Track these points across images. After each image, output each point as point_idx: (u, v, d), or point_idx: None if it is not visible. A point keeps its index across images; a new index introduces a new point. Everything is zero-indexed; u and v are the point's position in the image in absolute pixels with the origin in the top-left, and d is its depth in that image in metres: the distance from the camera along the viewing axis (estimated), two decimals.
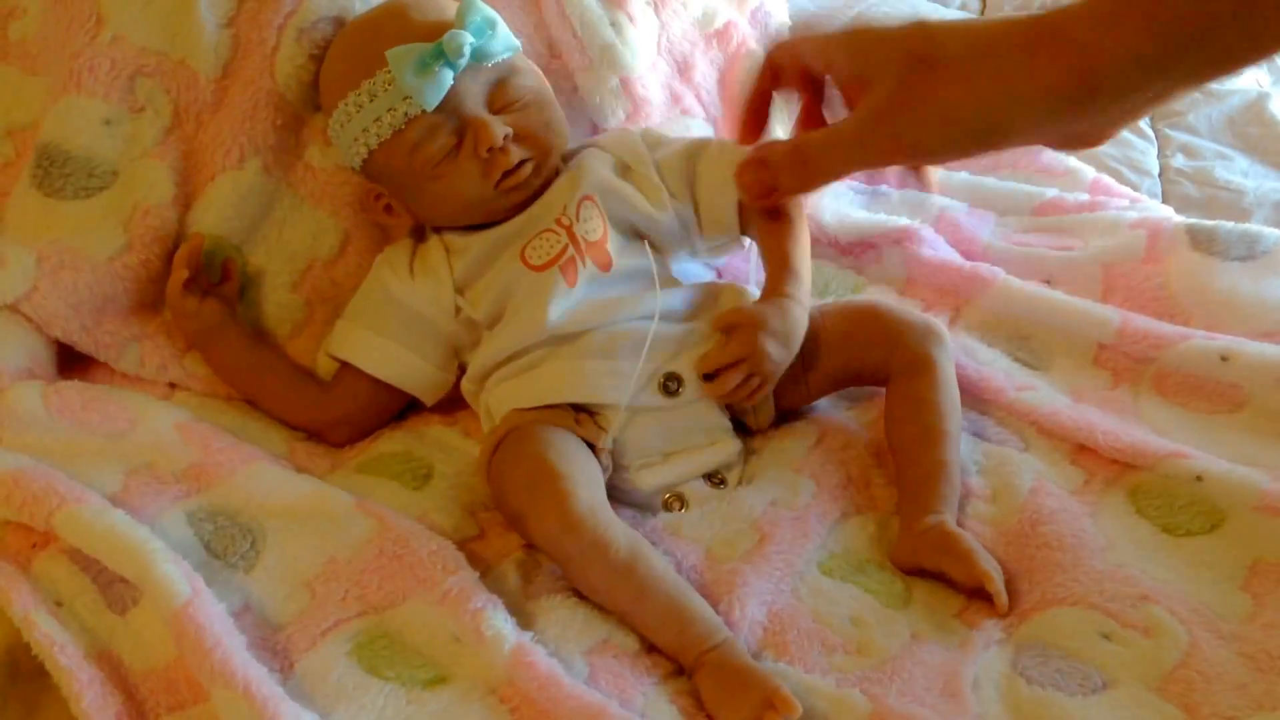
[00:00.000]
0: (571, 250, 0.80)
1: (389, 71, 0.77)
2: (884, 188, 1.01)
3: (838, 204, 0.98)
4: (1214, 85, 1.20)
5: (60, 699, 0.63)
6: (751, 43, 1.00)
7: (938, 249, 0.94)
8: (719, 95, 0.99)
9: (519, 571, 0.73)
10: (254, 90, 0.83)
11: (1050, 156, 1.04)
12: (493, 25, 0.79)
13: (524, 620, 0.68)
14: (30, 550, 0.70)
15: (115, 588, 0.68)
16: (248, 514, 0.74)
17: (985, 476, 0.79)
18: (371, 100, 0.78)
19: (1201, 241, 0.90)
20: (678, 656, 0.68)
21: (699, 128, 0.97)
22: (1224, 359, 0.84)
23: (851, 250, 0.96)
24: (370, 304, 0.84)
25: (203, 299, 0.81)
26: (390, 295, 0.83)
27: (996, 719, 0.66)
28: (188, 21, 0.83)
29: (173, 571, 0.66)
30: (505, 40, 0.80)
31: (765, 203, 0.78)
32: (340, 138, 0.82)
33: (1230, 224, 0.91)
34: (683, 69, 0.98)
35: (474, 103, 0.79)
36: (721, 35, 0.99)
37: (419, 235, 0.85)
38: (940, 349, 0.81)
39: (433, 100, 0.77)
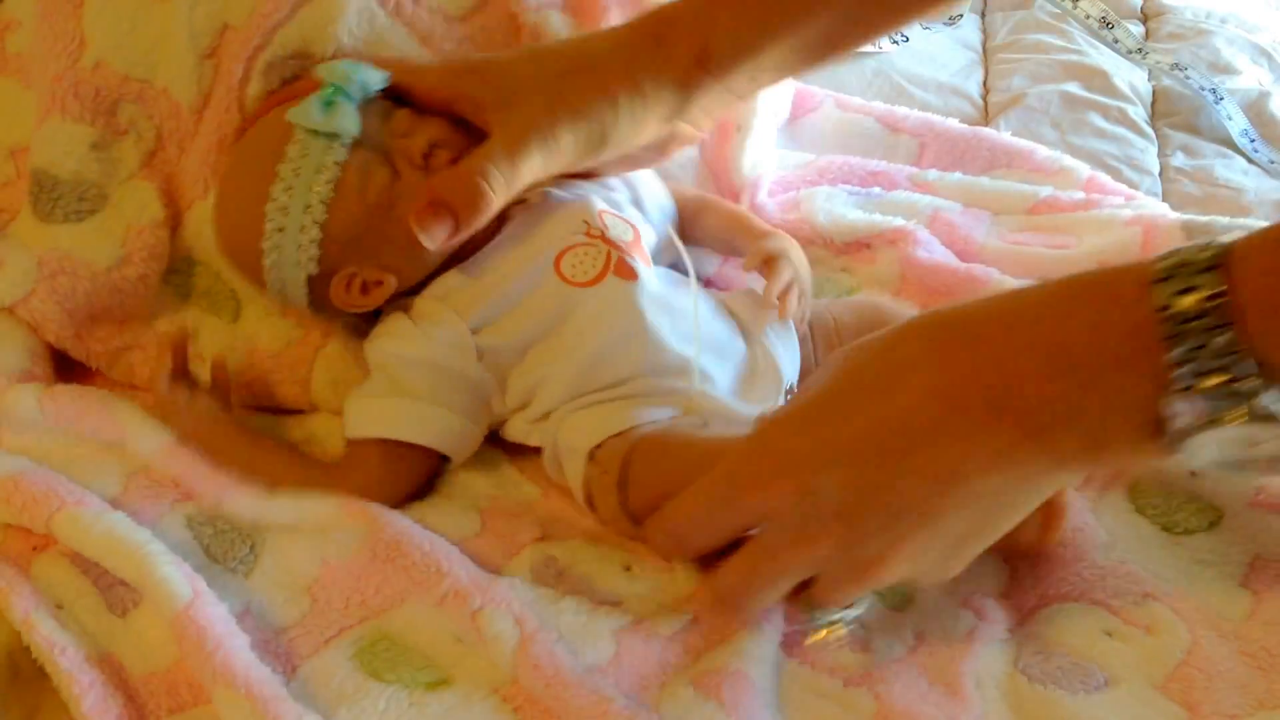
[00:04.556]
0: (616, 253, 0.79)
1: (297, 141, 0.75)
2: (877, 190, 1.00)
3: (831, 204, 0.98)
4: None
5: (61, 702, 0.63)
6: None
7: (933, 251, 0.94)
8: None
9: (532, 566, 0.73)
10: (221, 122, 0.82)
11: (1045, 155, 1.04)
12: (356, 63, 0.78)
13: (539, 611, 0.68)
14: (30, 552, 0.70)
15: (116, 590, 0.68)
16: (246, 520, 0.74)
17: None
18: (297, 175, 0.75)
19: (1197, 237, 0.89)
20: None
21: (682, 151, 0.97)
22: None
23: (845, 250, 0.96)
24: (378, 376, 0.78)
25: (192, 391, 0.77)
26: (400, 358, 0.78)
27: (999, 717, 0.66)
28: (172, 51, 0.81)
29: (174, 573, 0.67)
30: (377, 71, 0.78)
31: (456, 240, 0.74)
32: (284, 246, 0.76)
33: (1225, 219, 0.91)
34: None
35: (386, 132, 0.77)
36: None
37: (404, 308, 0.80)
38: None
39: (351, 127, 0.75)
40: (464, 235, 0.74)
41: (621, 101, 0.74)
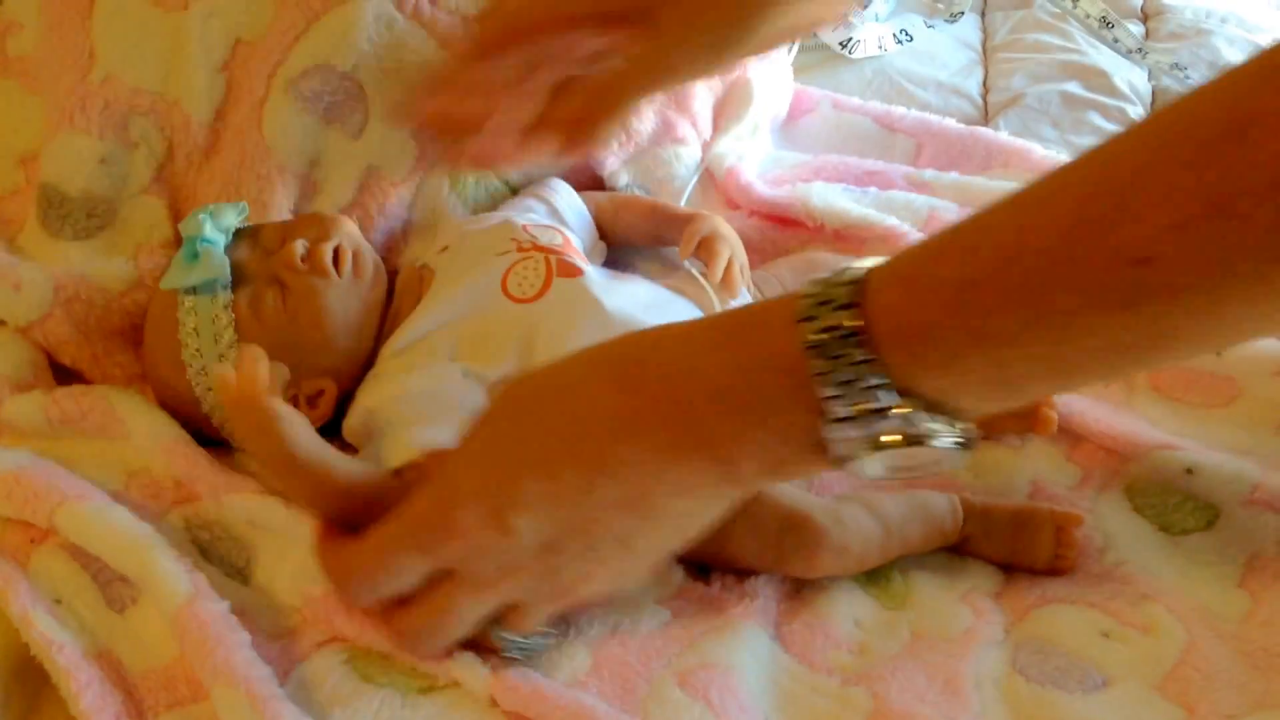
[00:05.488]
0: (554, 257, 0.79)
1: (183, 305, 0.76)
2: (873, 189, 1.00)
3: (827, 193, 0.97)
4: None
5: (60, 698, 0.63)
6: (750, 71, 0.99)
7: None
8: (711, 121, 0.99)
9: None
10: (243, 140, 0.82)
11: (1042, 154, 1.03)
12: (210, 208, 0.78)
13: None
14: (28, 545, 0.70)
15: (114, 586, 0.68)
16: (240, 528, 0.73)
17: (982, 475, 0.79)
18: (198, 335, 0.76)
19: None
20: (948, 544, 0.73)
21: (688, 155, 0.98)
22: (1218, 352, 0.83)
23: (837, 238, 0.95)
24: (385, 418, 0.75)
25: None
26: (395, 400, 0.75)
27: (997, 717, 0.66)
28: (182, 63, 0.81)
29: (174, 569, 0.67)
30: (230, 208, 0.79)
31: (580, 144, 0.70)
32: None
33: None
34: (680, 99, 0.97)
35: (259, 254, 0.78)
36: None
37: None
38: None
39: (220, 271, 0.76)
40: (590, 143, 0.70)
41: None
